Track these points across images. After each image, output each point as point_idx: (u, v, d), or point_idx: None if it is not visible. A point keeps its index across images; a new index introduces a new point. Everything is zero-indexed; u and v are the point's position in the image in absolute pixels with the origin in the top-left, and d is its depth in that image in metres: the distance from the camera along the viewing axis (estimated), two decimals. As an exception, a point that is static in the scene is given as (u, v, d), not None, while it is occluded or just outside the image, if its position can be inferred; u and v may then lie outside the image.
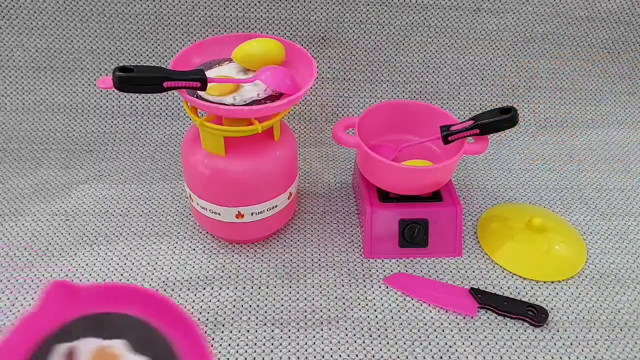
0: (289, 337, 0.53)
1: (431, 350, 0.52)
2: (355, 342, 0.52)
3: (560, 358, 0.52)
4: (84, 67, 0.80)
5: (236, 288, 0.58)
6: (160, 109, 0.81)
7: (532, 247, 0.62)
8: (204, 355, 0.29)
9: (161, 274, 0.59)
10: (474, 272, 0.61)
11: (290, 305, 0.56)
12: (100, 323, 0.27)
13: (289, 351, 0.51)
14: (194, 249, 0.62)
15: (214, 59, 0.58)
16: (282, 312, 0.55)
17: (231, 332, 0.53)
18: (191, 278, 0.58)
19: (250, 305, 0.56)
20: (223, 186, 0.56)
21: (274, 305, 0.56)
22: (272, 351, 0.51)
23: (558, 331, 0.54)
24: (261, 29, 0.79)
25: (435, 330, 0.54)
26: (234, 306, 0.56)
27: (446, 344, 0.53)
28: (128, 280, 0.58)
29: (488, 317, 0.55)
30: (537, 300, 0.57)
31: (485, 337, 0.53)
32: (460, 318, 0.55)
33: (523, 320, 0.55)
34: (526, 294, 0.58)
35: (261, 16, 0.78)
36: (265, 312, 0.55)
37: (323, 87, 0.82)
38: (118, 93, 0.81)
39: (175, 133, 0.80)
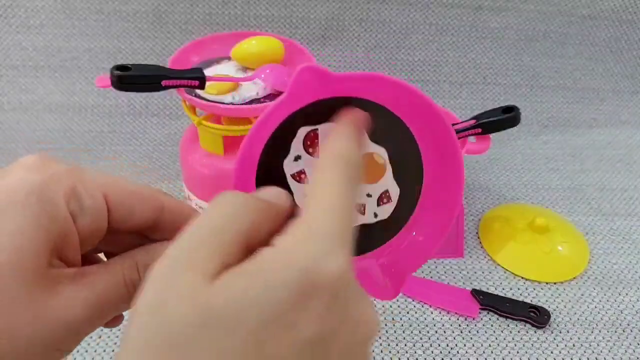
0: (289, 339, 0.52)
1: (432, 352, 0.51)
2: (356, 344, 0.52)
3: (563, 359, 0.51)
4: (82, 65, 0.79)
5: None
6: (159, 107, 0.80)
7: (535, 248, 0.61)
8: (456, 162, 0.27)
9: (159, 274, 0.58)
10: (475, 273, 0.60)
11: (289, 306, 0.55)
12: (342, 109, 0.26)
13: (289, 353, 0.51)
14: (193, 250, 0.61)
15: (212, 57, 0.57)
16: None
17: (230, 333, 0.52)
18: (190, 279, 0.58)
19: (249, 307, 0.55)
20: (222, 186, 0.55)
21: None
22: (271, 353, 0.51)
23: (560, 332, 0.54)
24: (260, 27, 0.78)
25: (436, 331, 0.53)
26: (233, 307, 0.55)
27: (447, 345, 0.52)
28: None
29: (490, 319, 0.55)
30: (539, 301, 0.57)
31: (487, 338, 0.53)
32: (461, 319, 0.55)
33: (525, 321, 0.54)
34: (528, 295, 0.58)
35: (260, 14, 0.78)
36: (265, 313, 0.54)
37: (323, 86, 0.82)
38: (116, 92, 0.80)
39: (173, 132, 0.79)
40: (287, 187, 0.27)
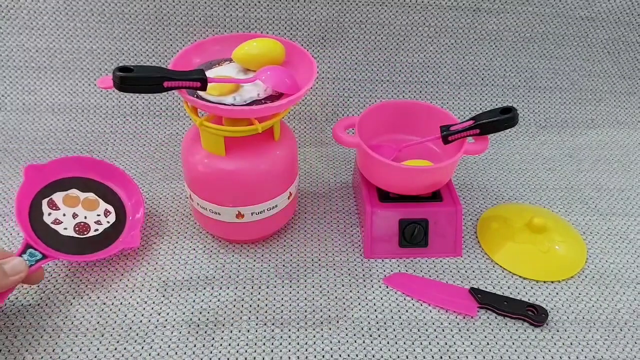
0: (289, 337, 0.53)
1: (431, 350, 0.52)
2: (355, 342, 0.52)
3: (560, 358, 0.52)
4: (84, 67, 0.80)
5: (236, 288, 0.58)
6: (161, 109, 0.81)
7: (532, 247, 0.62)
8: (138, 201, 0.62)
9: (161, 273, 0.59)
10: (473, 272, 0.61)
11: (290, 305, 0.56)
12: (62, 183, 0.59)
13: (289, 351, 0.51)
14: (194, 249, 0.62)
15: (214, 58, 0.58)
16: (282, 312, 0.55)
17: (231, 332, 0.53)
18: (191, 278, 0.58)
19: (250, 305, 0.56)
20: (223, 186, 0.56)
21: (274, 305, 0.56)
22: (272, 351, 0.51)
23: (558, 331, 0.54)
24: (261, 29, 0.79)
25: (435, 330, 0.54)
26: (234, 306, 0.56)
27: (446, 344, 0.53)
28: (128, 279, 0.58)
29: (488, 317, 0.55)
30: (537, 300, 0.57)
31: (485, 337, 0.53)
32: (460, 318, 0.55)
33: (523, 320, 0.55)
34: (526, 294, 0.58)
35: (261, 16, 0.78)
36: (265, 312, 0.55)
37: (323, 87, 0.83)
38: (118, 93, 0.81)
39: (175, 133, 0.80)
40: (51, 230, 0.56)
